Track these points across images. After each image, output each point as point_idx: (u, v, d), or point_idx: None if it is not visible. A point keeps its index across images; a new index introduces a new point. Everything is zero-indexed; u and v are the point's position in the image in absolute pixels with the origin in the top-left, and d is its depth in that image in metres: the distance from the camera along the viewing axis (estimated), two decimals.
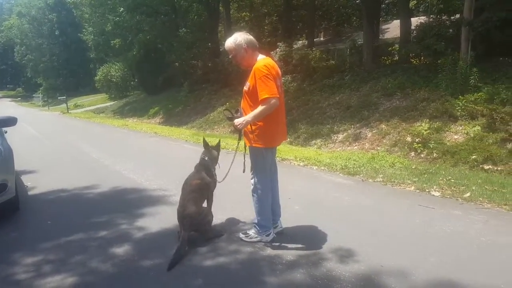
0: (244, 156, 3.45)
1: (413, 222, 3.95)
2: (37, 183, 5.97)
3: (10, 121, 5.26)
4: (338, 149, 9.61)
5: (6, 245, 3.68)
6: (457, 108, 8.76)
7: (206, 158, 3.78)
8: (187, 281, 2.91)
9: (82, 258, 3.31)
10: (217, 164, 3.86)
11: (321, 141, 10.55)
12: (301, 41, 24.01)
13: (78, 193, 5.44)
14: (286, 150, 7.95)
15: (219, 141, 4.15)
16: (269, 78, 3.12)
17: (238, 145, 3.52)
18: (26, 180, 6.15)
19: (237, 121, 3.26)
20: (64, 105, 30.21)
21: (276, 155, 3.70)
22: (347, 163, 6.61)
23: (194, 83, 22.78)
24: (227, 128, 14.85)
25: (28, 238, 3.85)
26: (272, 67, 3.23)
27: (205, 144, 3.89)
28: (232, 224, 3.99)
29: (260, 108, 3.12)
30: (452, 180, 5.45)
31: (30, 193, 5.55)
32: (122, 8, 21.97)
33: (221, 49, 22.12)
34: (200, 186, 3.60)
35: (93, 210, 4.63)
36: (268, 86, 3.10)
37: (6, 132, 5.55)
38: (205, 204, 3.69)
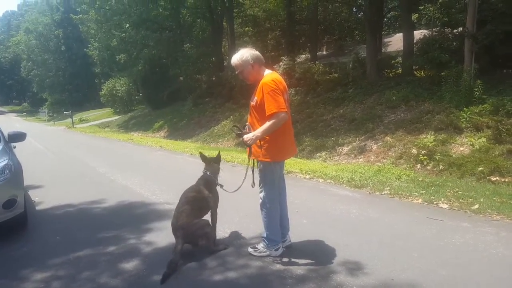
0: (253, 170, 3.46)
1: (422, 234, 3.93)
2: (45, 198, 6.00)
3: (20, 136, 5.35)
4: (343, 162, 9.60)
5: (15, 261, 3.68)
6: (462, 120, 8.77)
7: (208, 173, 3.77)
8: None
9: (92, 274, 3.31)
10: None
11: (326, 153, 10.55)
12: (304, 55, 24.22)
13: (85, 207, 5.46)
14: (291, 163, 7.95)
15: (219, 153, 4.06)
16: (277, 92, 3.15)
17: (249, 160, 3.53)
18: (34, 195, 6.18)
19: (246, 137, 3.27)
20: (69, 120, 30.46)
21: (283, 168, 3.70)
22: (354, 176, 6.60)
23: (199, 97, 22.98)
24: (232, 142, 14.90)
25: (37, 253, 3.86)
26: (280, 81, 3.26)
27: (204, 159, 3.85)
28: (240, 238, 3.98)
29: (269, 123, 3.14)
30: (460, 192, 5.43)
31: (38, 208, 5.57)
32: (127, 24, 22.35)
33: (225, 64, 22.37)
34: (195, 199, 3.60)
35: (101, 225, 4.64)
36: (276, 101, 3.12)
37: (15, 147, 5.62)
38: (207, 218, 3.68)
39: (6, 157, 4.47)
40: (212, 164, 3.83)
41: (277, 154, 3.34)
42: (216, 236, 3.75)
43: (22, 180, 4.60)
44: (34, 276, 3.32)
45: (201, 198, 3.64)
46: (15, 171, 4.36)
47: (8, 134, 5.31)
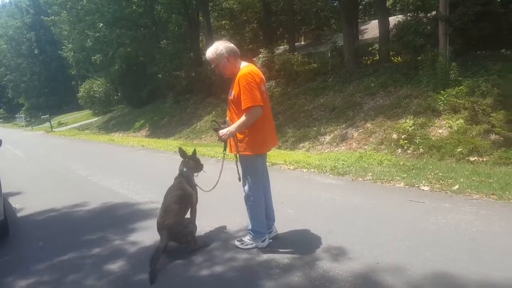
0: (237, 164, 3.44)
1: (405, 217, 4.01)
2: (26, 205, 5.85)
3: None
4: (326, 151, 9.68)
5: None
6: (439, 103, 8.92)
7: (185, 169, 3.74)
8: None
9: (77, 277, 3.27)
10: (200, 172, 3.83)
11: (309, 143, 10.61)
12: (282, 46, 24.22)
13: (68, 211, 5.37)
14: (275, 155, 7.98)
15: (194, 150, 4.02)
16: (253, 85, 3.11)
17: (224, 156, 3.52)
18: (14, 202, 6.02)
19: (221, 132, 3.25)
20: (47, 124, 29.76)
21: (266, 160, 3.70)
22: (336, 164, 6.67)
23: (179, 94, 22.73)
24: (215, 137, 14.79)
25: (20, 260, 3.78)
26: (256, 74, 3.23)
27: (183, 155, 3.81)
28: (226, 232, 3.98)
29: (243, 117, 3.13)
30: (440, 174, 5.55)
31: (19, 215, 5.44)
32: (101, 24, 21.89)
33: (203, 59, 22.08)
34: (181, 197, 3.57)
35: (84, 228, 4.56)
36: (252, 95, 3.09)
37: None
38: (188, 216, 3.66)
39: None
40: (188, 161, 3.79)
41: (258, 147, 3.32)
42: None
43: (0, 188, 4.48)
44: (17, 284, 3.26)
45: (186, 196, 3.61)
46: None
47: None
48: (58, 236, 4.38)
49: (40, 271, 3.46)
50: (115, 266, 3.40)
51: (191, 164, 3.78)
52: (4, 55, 49.37)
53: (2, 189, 4.54)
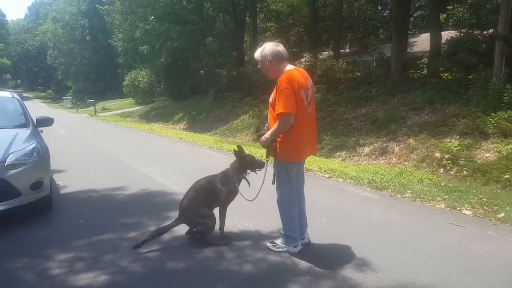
0: (274, 167, 3.42)
1: (444, 240, 3.84)
2: (68, 183, 6.14)
3: (48, 121, 5.48)
4: (364, 162, 9.49)
5: (41, 241, 3.79)
6: (489, 125, 8.52)
7: (229, 167, 3.76)
8: (213, 286, 2.92)
9: (114, 257, 3.38)
10: (246, 174, 3.75)
11: (346, 153, 10.44)
12: (326, 52, 23.98)
13: (107, 193, 5.57)
14: (310, 161, 7.88)
15: (244, 155, 3.81)
16: (288, 92, 3.06)
17: (267, 161, 3.51)
18: (58, 179, 6.33)
19: (262, 138, 3.30)
20: (92, 108, 31.12)
21: (303, 167, 3.66)
22: (374, 177, 6.51)
23: (219, 91, 23.09)
24: (250, 136, 14.92)
25: (61, 235, 3.97)
26: (296, 80, 3.14)
27: (236, 154, 3.73)
28: (259, 232, 3.99)
29: (276, 124, 3.14)
30: (484, 199, 5.28)
31: (61, 192, 5.71)
32: (152, 17, 22.60)
33: (246, 59, 22.37)
34: (203, 187, 3.68)
35: (122, 211, 4.73)
36: (285, 101, 3.06)
37: (42, 131, 5.76)
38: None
39: (35, 140, 4.60)
40: (235, 161, 3.78)
41: (292, 154, 3.28)
42: (223, 230, 3.72)
43: (49, 164, 4.73)
44: (58, 256, 3.41)
45: (210, 189, 3.66)
46: (42, 154, 4.49)
47: (36, 119, 5.45)
48: (97, 216, 4.57)
49: (79, 247, 3.61)
50: (150, 251, 3.48)
51: (234, 164, 3.77)
52: (58, 39, 52.14)
53: None
